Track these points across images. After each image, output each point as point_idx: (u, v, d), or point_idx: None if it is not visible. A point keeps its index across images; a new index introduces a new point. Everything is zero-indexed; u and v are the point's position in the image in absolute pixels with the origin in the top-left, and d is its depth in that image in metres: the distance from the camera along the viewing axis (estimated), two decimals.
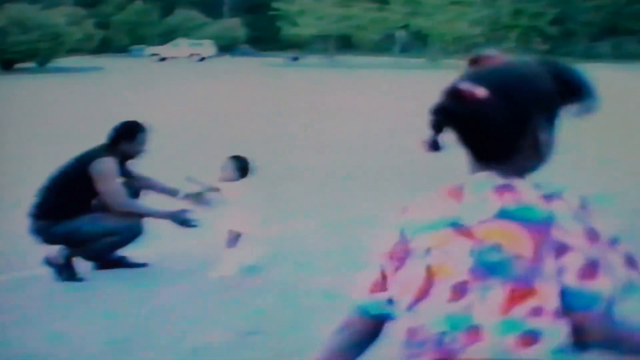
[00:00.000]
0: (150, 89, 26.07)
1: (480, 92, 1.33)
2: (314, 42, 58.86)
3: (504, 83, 1.36)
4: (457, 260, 1.32)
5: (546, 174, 1.47)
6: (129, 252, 5.03)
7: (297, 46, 59.61)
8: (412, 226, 1.40)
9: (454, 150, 1.45)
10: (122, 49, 60.43)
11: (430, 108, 1.41)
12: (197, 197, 4.93)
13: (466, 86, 1.35)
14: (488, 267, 1.30)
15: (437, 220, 1.37)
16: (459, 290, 1.31)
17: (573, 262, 1.28)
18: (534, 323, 1.27)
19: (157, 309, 4.27)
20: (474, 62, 1.43)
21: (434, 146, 1.41)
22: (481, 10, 52.89)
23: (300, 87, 28.15)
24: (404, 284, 1.39)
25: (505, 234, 1.30)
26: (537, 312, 1.27)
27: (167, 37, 60.14)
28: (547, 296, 1.28)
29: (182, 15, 66.66)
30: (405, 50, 59.29)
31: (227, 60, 53.26)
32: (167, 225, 4.96)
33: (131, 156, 4.85)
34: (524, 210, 1.31)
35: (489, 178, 1.37)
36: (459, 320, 1.30)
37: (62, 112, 17.10)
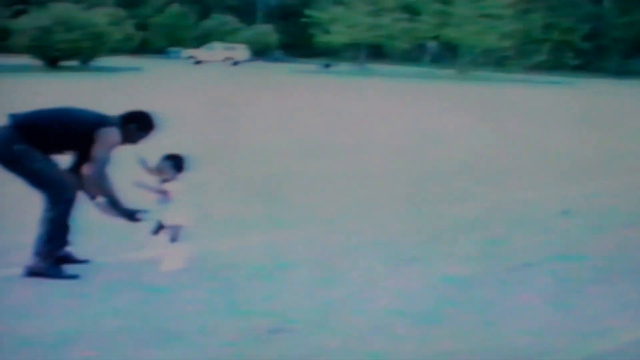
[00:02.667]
0: (187, 89, 27.10)
1: None
2: (346, 50, 59.78)
3: None
4: None
5: None
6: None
7: (329, 53, 60.56)
8: None
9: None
10: (159, 51, 61.90)
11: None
12: (103, 206, 4.86)
13: None
14: None
15: None
16: None
17: None
18: None
19: (176, 306, 4.32)
20: None
21: None
22: (512, 24, 53.35)
23: (332, 93, 28.99)
24: None
25: None
26: None
27: (202, 40, 61.50)
28: None
29: (217, 19, 67.98)
30: (435, 60, 59.96)
31: (260, 66, 54.18)
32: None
33: (128, 142, 4.91)
34: None
35: None
36: None
37: (102, 108, 18.16)
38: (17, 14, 43.09)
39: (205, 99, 22.51)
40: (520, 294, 4.80)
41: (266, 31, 66.56)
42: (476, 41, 52.38)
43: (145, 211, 4.83)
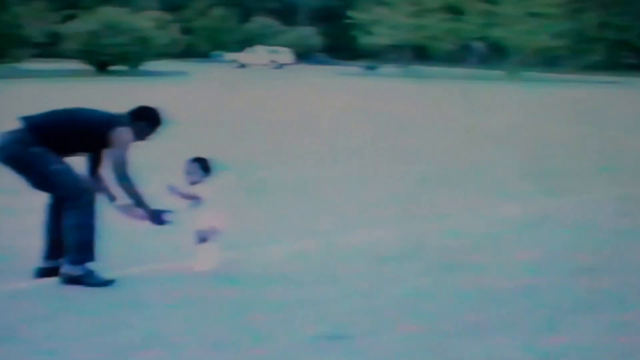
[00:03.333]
0: (233, 93, 26.99)
1: None
2: (389, 51, 59.31)
3: None
4: None
5: None
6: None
7: (372, 55, 60.15)
8: None
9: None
10: (203, 55, 62.12)
11: None
12: (127, 208, 4.84)
13: None
14: None
15: None
16: None
17: None
18: None
19: (237, 311, 4.30)
20: None
21: None
22: (563, 23, 52.25)
23: (380, 95, 28.65)
24: None
25: None
26: None
27: (244, 43, 61.52)
28: None
29: (259, 22, 68.08)
30: (482, 61, 59.16)
31: (304, 68, 54.08)
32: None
33: (138, 138, 4.88)
34: None
35: None
36: None
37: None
38: (67, 19, 43.46)
39: (254, 102, 22.32)
40: None
41: (308, 34, 66.45)
42: (525, 41, 51.43)
43: (171, 212, 4.81)
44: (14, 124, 4.58)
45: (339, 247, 5.71)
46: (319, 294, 4.62)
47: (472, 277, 5.05)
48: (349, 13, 57.66)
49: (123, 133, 4.69)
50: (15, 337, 3.80)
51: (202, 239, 4.85)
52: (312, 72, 47.95)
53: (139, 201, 4.75)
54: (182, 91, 27.63)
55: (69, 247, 4.57)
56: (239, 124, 15.73)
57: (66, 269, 4.57)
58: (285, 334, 3.94)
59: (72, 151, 4.73)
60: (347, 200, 7.63)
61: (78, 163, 4.83)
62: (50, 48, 43.39)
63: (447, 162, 10.88)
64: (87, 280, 4.55)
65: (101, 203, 4.78)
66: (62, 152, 4.63)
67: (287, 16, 70.48)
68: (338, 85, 33.90)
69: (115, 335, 3.86)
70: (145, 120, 4.89)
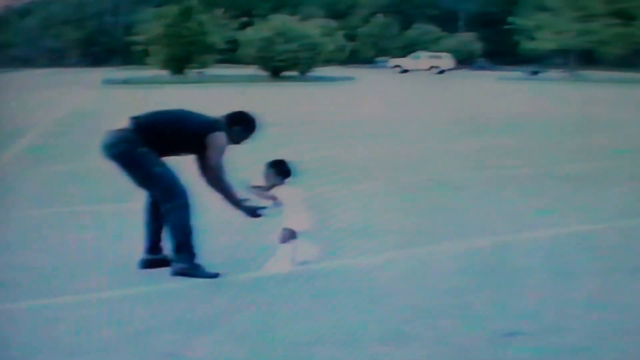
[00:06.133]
0: (399, 96, 27.58)
1: None
2: (553, 56, 57.88)
3: None
4: None
5: None
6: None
7: (535, 60, 58.95)
8: None
9: None
10: (367, 60, 63.61)
11: None
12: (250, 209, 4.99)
13: None
14: None
15: None
16: None
17: None
18: None
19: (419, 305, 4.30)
20: None
21: None
22: None
23: (553, 100, 28.21)
24: None
25: None
26: None
27: (406, 49, 62.32)
28: None
29: (419, 28, 68.67)
30: None
31: (465, 74, 53.82)
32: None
33: (232, 143, 4.99)
34: None
35: None
36: None
37: (325, 117, 18.96)
38: (244, 26, 46.09)
39: (427, 104, 22.80)
40: None
41: (469, 39, 66.16)
42: None
43: (264, 207, 4.92)
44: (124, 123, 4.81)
45: (512, 244, 5.73)
46: (495, 290, 4.61)
47: None
48: (510, 19, 56.88)
49: (219, 137, 4.84)
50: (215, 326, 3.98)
51: (282, 240, 4.82)
52: (474, 77, 47.76)
53: (235, 202, 4.93)
54: (353, 94, 28.66)
55: (173, 246, 4.80)
56: (415, 124, 16.37)
57: (174, 264, 4.80)
58: (467, 331, 3.93)
59: (172, 152, 4.89)
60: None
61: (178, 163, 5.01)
62: (230, 54, 46.15)
63: None
64: (195, 273, 4.74)
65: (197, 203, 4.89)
66: (163, 152, 4.81)
67: (447, 23, 70.52)
68: (502, 90, 33.69)
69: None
70: (240, 125, 5.02)
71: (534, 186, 8.35)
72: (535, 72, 53.16)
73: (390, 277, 4.85)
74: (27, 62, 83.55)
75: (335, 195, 7.62)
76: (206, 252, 4.86)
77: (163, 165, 4.79)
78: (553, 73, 53.51)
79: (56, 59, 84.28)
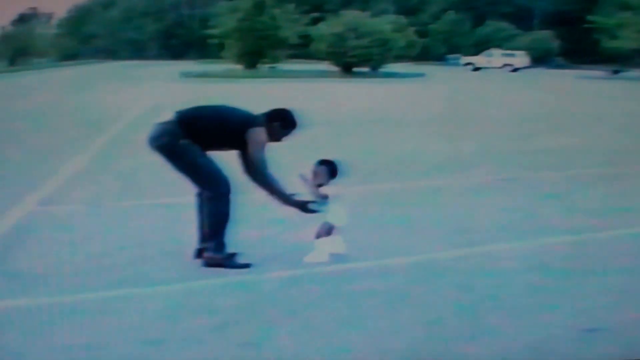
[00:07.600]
0: (471, 94, 27.11)
1: None
2: (635, 55, 56.01)
3: None
4: None
5: None
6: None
7: (614, 60, 57.17)
8: None
9: None
10: (438, 57, 62.95)
11: None
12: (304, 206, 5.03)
13: None
14: None
15: None
16: None
17: None
18: None
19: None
20: None
21: None
22: None
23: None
24: None
25: None
26: None
27: (478, 47, 61.32)
28: None
29: (492, 26, 67.45)
30: None
31: (541, 72, 52.53)
32: None
33: (272, 140, 5.03)
34: None
35: None
36: None
37: (393, 113, 18.74)
38: (315, 21, 46.25)
39: (504, 103, 22.29)
40: None
41: (545, 37, 64.56)
42: None
43: (314, 202, 4.97)
44: (169, 116, 4.91)
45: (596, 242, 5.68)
46: (576, 286, 4.59)
47: None
48: (590, 17, 55.32)
49: (258, 133, 4.92)
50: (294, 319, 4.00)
51: (320, 234, 4.97)
52: (550, 76, 46.58)
53: (283, 197, 5.00)
54: (424, 91, 28.41)
55: (209, 234, 4.90)
56: (489, 122, 16.09)
57: (208, 253, 4.90)
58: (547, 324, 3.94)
59: (214, 146, 4.96)
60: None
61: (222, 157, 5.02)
62: (302, 50, 46.41)
63: None
64: (226, 263, 4.84)
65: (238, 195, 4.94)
66: (205, 146, 4.91)
67: (522, 20, 69.06)
68: (582, 90, 32.67)
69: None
70: (280, 122, 5.04)
71: (618, 185, 8.22)
72: (617, 71, 51.61)
73: (472, 272, 4.85)
74: (110, 53, 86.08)
75: (413, 190, 7.84)
76: (286, 245, 4.93)
77: (205, 156, 4.89)
78: (636, 72, 51.78)
79: (137, 51, 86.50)
